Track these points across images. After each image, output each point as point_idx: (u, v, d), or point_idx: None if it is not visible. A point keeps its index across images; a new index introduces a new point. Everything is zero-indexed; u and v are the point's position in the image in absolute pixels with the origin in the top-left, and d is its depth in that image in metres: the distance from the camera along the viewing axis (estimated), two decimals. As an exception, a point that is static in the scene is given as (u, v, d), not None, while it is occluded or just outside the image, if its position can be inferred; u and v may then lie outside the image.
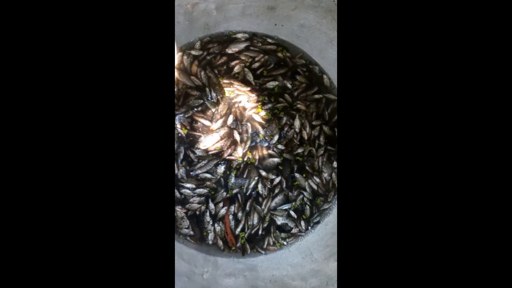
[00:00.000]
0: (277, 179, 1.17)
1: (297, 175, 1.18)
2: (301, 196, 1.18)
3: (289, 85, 1.21)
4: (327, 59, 1.19)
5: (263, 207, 1.17)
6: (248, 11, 1.15)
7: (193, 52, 1.20)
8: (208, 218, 1.16)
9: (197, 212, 1.16)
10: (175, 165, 1.16)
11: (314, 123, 1.20)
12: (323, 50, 1.18)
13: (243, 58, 1.21)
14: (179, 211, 1.15)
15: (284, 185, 1.18)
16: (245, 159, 1.17)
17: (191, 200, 1.15)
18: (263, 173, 1.17)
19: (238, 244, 1.15)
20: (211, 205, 1.15)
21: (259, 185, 1.17)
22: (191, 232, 1.15)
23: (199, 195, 1.15)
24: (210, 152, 1.17)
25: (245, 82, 1.20)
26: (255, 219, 1.16)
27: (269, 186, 1.17)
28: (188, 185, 1.15)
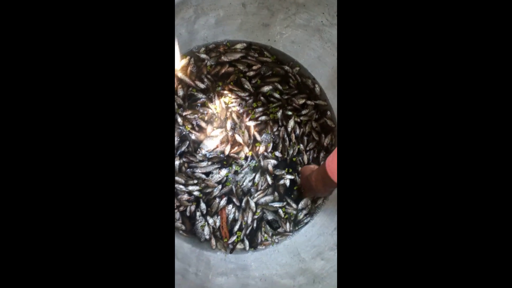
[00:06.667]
0: (269, 180, 1.24)
1: (288, 176, 1.25)
2: (292, 196, 1.25)
3: (280, 88, 1.30)
4: (316, 72, 1.31)
5: (255, 199, 1.22)
6: (244, 26, 1.26)
7: (201, 56, 1.29)
8: (199, 214, 1.20)
9: (187, 210, 1.20)
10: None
11: (303, 112, 1.28)
12: (311, 64, 1.31)
13: (239, 66, 1.30)
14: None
15: (276, 187, 1.25)
16: (248, 161, 1.24)
17: (180, 196, 1.19)
18: (260, 170, 1.23)
19: (231, 240, 1.19)
20: (202, 205, 1.19)
21: (257, 177, 1.23)
22: (183, 227, 1.19)
23: (189, 193, 1.19)
24: (211, 155, 1.23)
25: (242, 88, 1.29)
26: (249, 217, 1.21)
27: (269, 181, 1.23)
28: (177, 178, 1.19)
